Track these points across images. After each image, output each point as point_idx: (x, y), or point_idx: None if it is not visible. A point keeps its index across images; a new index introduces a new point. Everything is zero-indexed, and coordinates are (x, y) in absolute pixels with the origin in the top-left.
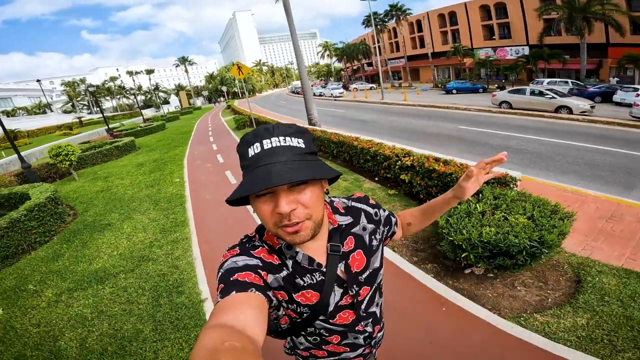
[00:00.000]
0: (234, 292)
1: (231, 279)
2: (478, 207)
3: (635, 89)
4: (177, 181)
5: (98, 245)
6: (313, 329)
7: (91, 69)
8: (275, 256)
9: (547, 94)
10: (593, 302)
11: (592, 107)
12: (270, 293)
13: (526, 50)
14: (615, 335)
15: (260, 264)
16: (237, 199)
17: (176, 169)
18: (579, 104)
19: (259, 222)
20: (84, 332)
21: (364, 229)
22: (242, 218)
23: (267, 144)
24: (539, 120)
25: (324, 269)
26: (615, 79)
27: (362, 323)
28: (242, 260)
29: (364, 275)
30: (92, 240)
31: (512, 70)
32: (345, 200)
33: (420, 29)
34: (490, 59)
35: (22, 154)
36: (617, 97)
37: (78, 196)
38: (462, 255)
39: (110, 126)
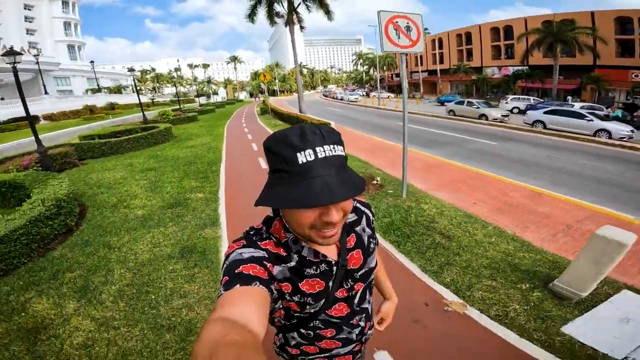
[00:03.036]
0: (237, 285)
1: (236, 271)
2: None
3: (571, 106)
4: (221, 131)
5: (188, 143)
6: (310, 322)
7: (151, 56)
8: (282, 248)
9: (475, 105)
10: None
11: (505, 116)
12: (272, 286)
13: (526, 70)
14: None
15: (267, 256)
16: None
17: (220, 127)
18: (494, 113)
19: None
20: (188, 153)
21: (364, 230)
22: (243, 142)
23: (320, 152)
24: (459, 123)
25: (330, 260)
26: (569, 98)
27: (356, 317)
28: (247, 253)
29: (360, 273)
30: (186, 142)
31: (498, 88)
32: (352, 202)
33: (441, 46)
34: (495, 76)
35: (123, 117)
36: None
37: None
38: None
39: (181, 106)
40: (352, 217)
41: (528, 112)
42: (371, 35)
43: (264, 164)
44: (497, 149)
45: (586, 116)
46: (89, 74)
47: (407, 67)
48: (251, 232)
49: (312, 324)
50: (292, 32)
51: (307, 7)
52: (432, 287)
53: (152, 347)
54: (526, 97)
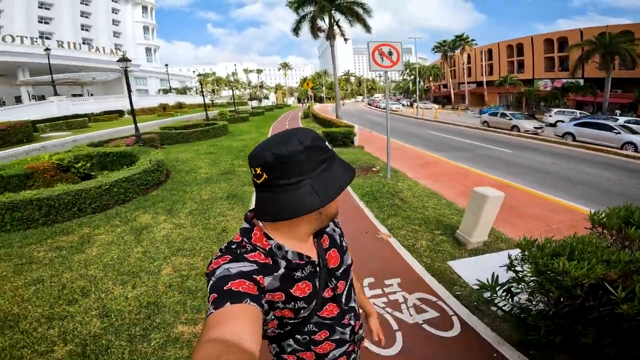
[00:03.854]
0: (228, 303)
1: (224, 288)
2: (336, 131)
3: (616, 120)
4: (266, 131)
5: (239, 137)
6: (304, 327)
7: (211, 59)
8: (269, 258)
9: (508, 117)
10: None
11: (538, 128)
12: (263, 301)
13: (581, 83)
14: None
15: (257, 268)
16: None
17: (267, 127)
18: (526, 125)
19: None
20: (239, 144)
21: (334, 230)
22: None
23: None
24: (485, 133)
25: (313, 260)
26: (617, 112)
27: (347, 316)
28: (235, 267)
29: (340, 271)
30: (238, 137)
31: (546, 100)
32: None
33: (490, 57)
34: (547, 89)
35: (189, 115)
36: None
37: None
38: None
39: (236, 108)
40: None
41: (559, 124)
42: (423, 45)
43: None
44: (507, 156)
45: (614, 129)
46: (161, 76)
47: (455, 77)
48: (233, 247)
49: (306, 329)
50: (332, 45)
51: (350, 21)
52: (377, 225)
53: (202, 236)
54: (572, 110)
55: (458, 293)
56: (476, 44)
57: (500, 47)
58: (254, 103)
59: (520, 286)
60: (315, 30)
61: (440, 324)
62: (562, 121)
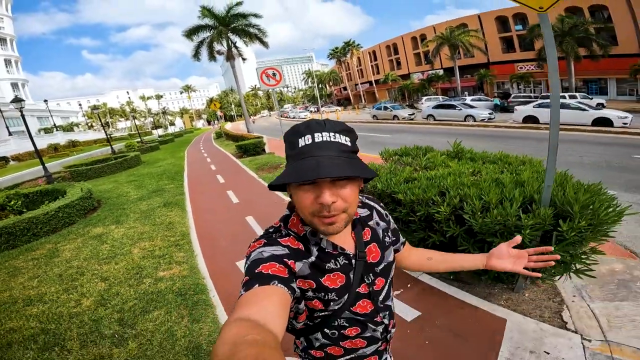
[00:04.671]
0: (256, 285)
1: (256, 271)
2: None
3: (464, 100)
4: (182, 154)
5: (157, 164)
6: (334, 321)
7: (95, 88)
8: (302, 244)
9: (389, 109)
10: None
11: (411, 114)
12: (294, 285)
13: (441, 73)
14: None
15: (288, 252)
16: (278, 185)
17: (181, 152)
18: (402, 113)
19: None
20: (159, 169)
21: (377, 224)
22: (200, 159)
23: (318, 137)
24: (377, 125)
25: (348, 253)
26: (466, 93)
27: (380, 314)
28: (268, 251)
29: (380, 267)
30: (154, 164)
31: (419, 91)
32: (360, 197)
33: (375, 58)
34: (416, 82)
35: (88, 153)
36: None
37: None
38: None
39: (143, 138)
40: (364, 212)
41: (423, 108)
42: (324, 50)
43: (214, 167)
44: (388, 139)
45: (457, 107)
46: (39, 113)
47: (351, 80)
48: (270, 230)
49: (336, 323)
50: (233, 67)
51: (245, 42)
52: (285, 199)
53: (154, 229)
54: (437, 96)
55: None
56: (362, 48)
57: (381, 48)
58: (160, 131)
59: None
60: (213, 54)
61: None
62: (394, 107)
